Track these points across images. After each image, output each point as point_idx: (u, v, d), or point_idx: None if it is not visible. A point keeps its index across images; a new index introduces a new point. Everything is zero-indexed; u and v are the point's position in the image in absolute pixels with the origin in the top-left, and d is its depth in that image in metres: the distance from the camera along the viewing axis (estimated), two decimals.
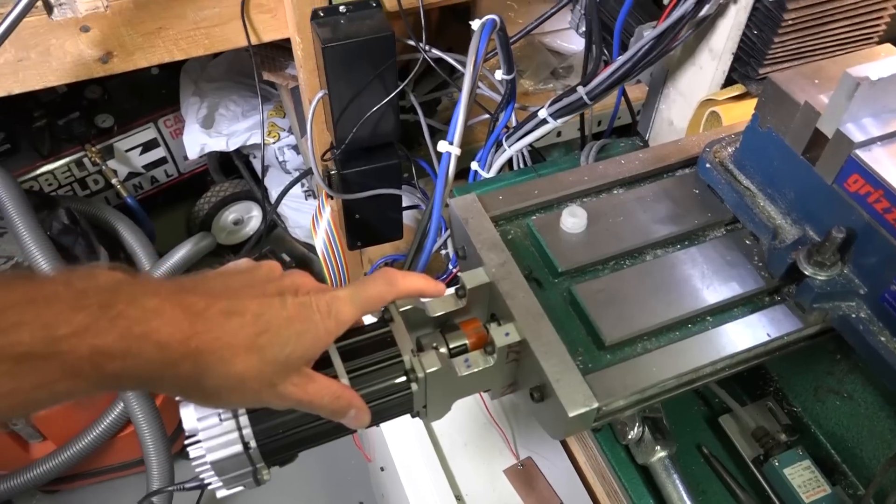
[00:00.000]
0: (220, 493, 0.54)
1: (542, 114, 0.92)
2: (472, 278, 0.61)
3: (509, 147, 0.99)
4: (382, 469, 1.05)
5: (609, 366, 0.58)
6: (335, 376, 0.52)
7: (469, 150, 1.08)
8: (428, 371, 0.54)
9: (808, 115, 0.58)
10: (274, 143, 1.75)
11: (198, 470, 0.51)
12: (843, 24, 0.80)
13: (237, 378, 0.43)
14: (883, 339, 0.56)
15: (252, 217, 2.05)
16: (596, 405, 0.53)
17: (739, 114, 0.81)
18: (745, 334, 0.60)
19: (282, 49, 1.37)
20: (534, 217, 0.70)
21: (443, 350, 0.58)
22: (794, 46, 0.80)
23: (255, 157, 1.94)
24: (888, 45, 0.67)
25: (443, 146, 0.96)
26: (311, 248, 1.80)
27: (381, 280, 0.53)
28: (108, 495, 1.67)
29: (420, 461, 0.87)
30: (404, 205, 1.31)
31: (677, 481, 0.69)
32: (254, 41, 1.10)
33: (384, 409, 0.55)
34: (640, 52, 0.82)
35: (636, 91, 1.15)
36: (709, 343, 0.60)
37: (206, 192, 1.95)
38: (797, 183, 0.61)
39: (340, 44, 1.00)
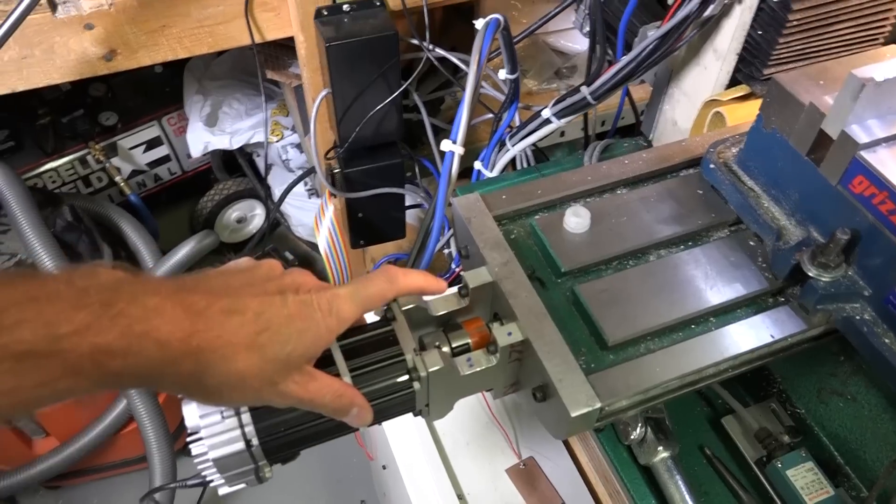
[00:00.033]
0: (222, 491, 0.54)
1: (546, 113, 0.92)
2: (475, 277, 0.61)
3: (513, 146, 0.99)
4: (384, 468, 1.05)
5: (612, 366, 0.58)
6: (338, 375, 0.52)
7: (472, 150, 1.08)
8: (430, 370, 0.54)
9: (813, 116, 0.58)
10: (277, 141, 1.75)
11: (200, 467, 0.51)
12: (849, 25, 0.79)
13: (238, 376, 0.43)
14: (887, 340, 0.56)
15: (255, 215, 2.05)
16: (598, 405, 0.53)
17: (744, 114, 0.81)
18: (749, 335, 0.60)
19: (285, 48, 1.37)
20: (537, 217, 0.70)
21: (445, 349, 0.58)
22: (799, 47, 0.80)
23: (258, 156, 1.94)
24: (894, 47, 0.66)
25: (446, 145, 0.95)
26: (314, 246, 1.80)
27: (382, 278, 0.53)
28: (110, 491, 1.67)
29: (422, 460, 0.87)
30: (407, 204, 1.31)
31: (679, 482, 0.69)
32: (257, 40, 1.10)
33: (386, 407, 0.55)
34: (645, 53, 0.81)
35: (640, 91, 1.15)
36: (712, 344, 0.60)
37: (209, 190, 1.96)
38: (801, 184, 0.61)
39: (344, 42, 1.00)
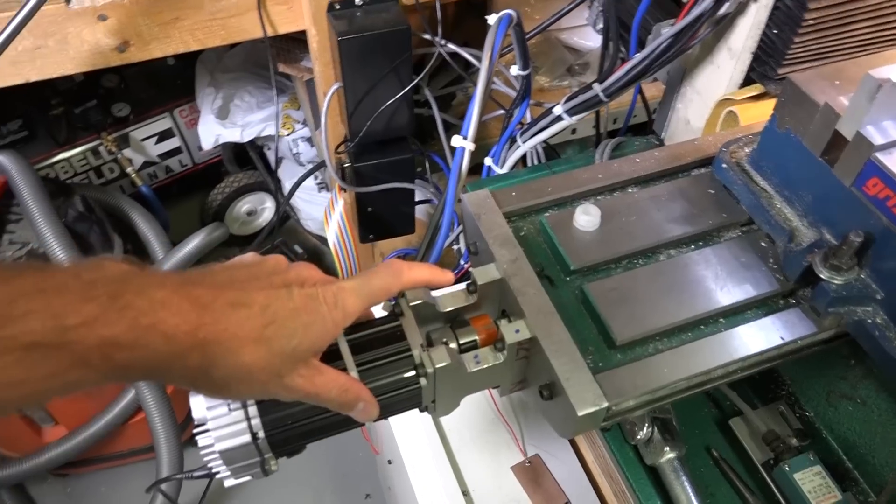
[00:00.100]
0: (228, 483, 0.54)
1: (558, 110, 0.92)
2: (484, 274, 0.61)
3: (523, 143, 0.99)
4: (390, 462, 1.05)
5: (619, 365, 0.58)
6: (344, 369, 0.52)
7: (483, 146, 1.08)
8: (437, 366, 0.54)
9: (828, 117, 0.57)
10: (288, 134, 1.75)
11: (206, 459, 0.52)
12: (866, 25, 0.79)
13: (245, 369, 0.43)
14: None
15: (265, 208, 2.06)
16: (605, 405, 0.53)
17: (757, 114, 0.80)
18: (759, 337, 0.60)
19: (297, 41, 1.38)
20: (547, 214, 0.70)
21: (453, 345, 0.58)
22: (814, 47, 0.79)
23: (269, 149, 1.94)
24: None
25: (457, 141, 0.95)
26: (324, 240, 1.81)
27: (388, 271, 0.53)
28: (117, 480, 1.68)
29: (428, 455, 0.87)
30: (417, 199, 1.31)
31: (685, 483, 0.69)
32: (270, 33, 1.10)
33: (392, 403, 0.55)
34: (658, 50, 0.81)
35: (652, 89, 1.15)
36: (721, 345, 0.59)
37: (219, 182, 1.96)
38: (815, 185, 0.61)
39: (356, 37, 1.00)
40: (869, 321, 0.57)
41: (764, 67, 0.83)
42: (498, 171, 1.04)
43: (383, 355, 0.55)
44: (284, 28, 1.12)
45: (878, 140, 0.53)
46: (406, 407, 0.58)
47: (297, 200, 1.91)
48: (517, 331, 0.57)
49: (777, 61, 0.80)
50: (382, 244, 1.48)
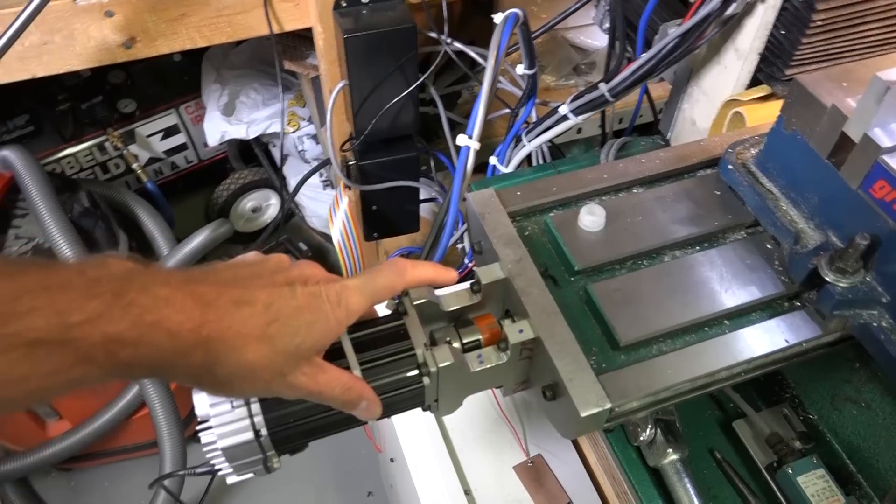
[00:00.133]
0: (231, 480, 0.54)
1: (563, 110, 0.92)
2: (488, 274, 0.61)
3: (529, 142, 0.99)
4: (392, 461, 1.05)
5: (623, 366, 0.58)
6: (348, 367, 0.52)
7: (488, 145, 1.08)
8: (440, 365, 0.54)
9: (835, 119, 0.57)
10: (294, 132, 1.75)
11: (209, 455, 0.52)
12: (875, 27, 0.78)
13: (248, 367, 0.43)
14: None
15: (270, 205, 2.06)
16: (608, 406, 0.53)
17: (764, 115, 0.80)
18: (763, 339, 0.60)
19: (304, 38, 1.38)
20: (551, 214, 0.70)
21: (456, 345, 0.58)
22: (822, 48, 0.78)
23: (274, 146, 1.95)
24: None
25: (462, 140, 0.95)
26: (328, 237, 1.81)
27: (391, 270, 0.53)
28: (120, 475, 1.69)
29: (430, 454, 0.87)
30: (422, 197, 1.30)
31: (688, 485, 0.69)
32: (276, 30, 1.10)
33: (395, 401, 0.55)
34: (665, 50, 0.81)
35: (659, 89, 1.14)
36: (725, 347, 0.59)
37: (225, 179, 1.97)
38: (821, 187, 0.60)
39: (362, 34, 0.99)
40: (874, 325, 0.57)
41: (771, 68, 0.82)
42: (503, 170, 1.04)
43: (386, 354, 0.55)
44: (290, 25, 1.12)
45: (885, 142, 0.53)
46: (409, 406, 0.58)
47: (302, 197, 1.91)
48: (521, 331, 0.57)
49: (784, 62, 0.80)
50: (387, 242, 1.48)
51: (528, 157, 1.03)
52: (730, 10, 0.77)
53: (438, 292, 0.59)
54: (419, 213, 1.32)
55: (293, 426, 0.52)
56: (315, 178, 1.83)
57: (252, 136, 1.74)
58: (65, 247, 1.24)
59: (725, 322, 0.62)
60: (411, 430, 0.90)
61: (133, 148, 1.84)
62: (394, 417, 0.85)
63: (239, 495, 1.64)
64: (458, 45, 1.10)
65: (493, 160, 1.05)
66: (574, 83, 1.50)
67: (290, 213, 2.00)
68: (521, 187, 0.71)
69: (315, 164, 1.73)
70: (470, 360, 0.57)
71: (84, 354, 0.36)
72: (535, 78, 0.98)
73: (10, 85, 1.04)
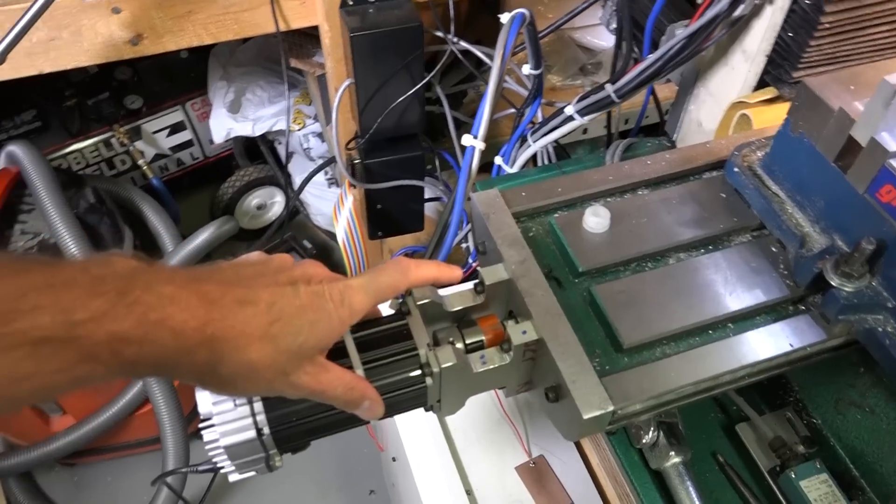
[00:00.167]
0: (233, 478, 0.54)
1: (569, 110, 0.92)
2: (492, 274, 0.61)
3: (534, 143, 0.98)
4: (394, 459, 1.05)
5: (626, 369, 0.58)
6: (350, 367, 0.52)
7: (494, 144, 1.08)
8: (443, 366, 0.54)
9: (842, 122, 0.56)
10: (299, 129, 1.75)
11: (211, 453, 0.52)
12: (884, 29, 0.78)
13: (251, 366, 0.43)
14: None
15: (275, 203, 2.06)
16: (611, 408, 0.53)
17: (771, 117, 0.80)
18: (767, 343, 0.59)
19: (310, 36, 1.38)
20: (556, 215, 0.69)
21: (459, 345, 0.57)
22: (830, 50, 0.78)
23: (279, 144, 1.95)
24: None
25: (467, 140, 0.95)
26: (333, 235, 1.81)
27: (395, 269, 0.53)
28: (123, 470, 1.69)
29: (432, 454, 0.87)
30: (427, 196, 1.30)
31: (690, 488, 0.69)
32: (282, 28, 1.11)
33: (398, 401, 0.55)
34: (672, 51, 0.80)
35: (665, 90, 1.14)
36: (729, 350, 0.59)
37: (230, 176, 1.97)
38: (828, 191, 0.60)
39: (368, 33, 1.00)
40: (880, 329, 0.57)
41: (778, 70, 0.82)
42: (508, 170, 1.03)
43: (389, 354, 0.55)
44: (297, 23, 1.12)
45: (892, 146, 0.52)
46: (411, 406, 0.58)
47: (307, 195, 1.91)
48: (524, 332, 0.57)
49: (792, 64, 0.80)
50: (391, 241, 1.48)
51: (534, 158, 1.03)
52: (738, 12, 0.77)
53: (442, 292, 0.59)
54: (424, 212, 1.32)
55: (295, 425, 0.53)
56: (320, 176, 1.83)
57: (258, 133, 1.74)
58: (70, 242, 1.24)
59: (729, 325, 0.61)
60: (413, 429, 0.90)
61: (139, 144, 1.85)
62: (396, 417, 0.84)
63: (241, 492, 1.65)
64: (464, 44, 1.10)
65: (498, 160, 1.05)
66: (580, 83, 1.50)
67: (294, 210, 2.00)
68: (526, 188, 0.71)
69: (320, 162, 1.73)
70: (473, 360, 0.57)
71: (88, 352, 0.36)
72: (541, 78, 0.98)
73: (18, 80, 1.05)
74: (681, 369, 0.57)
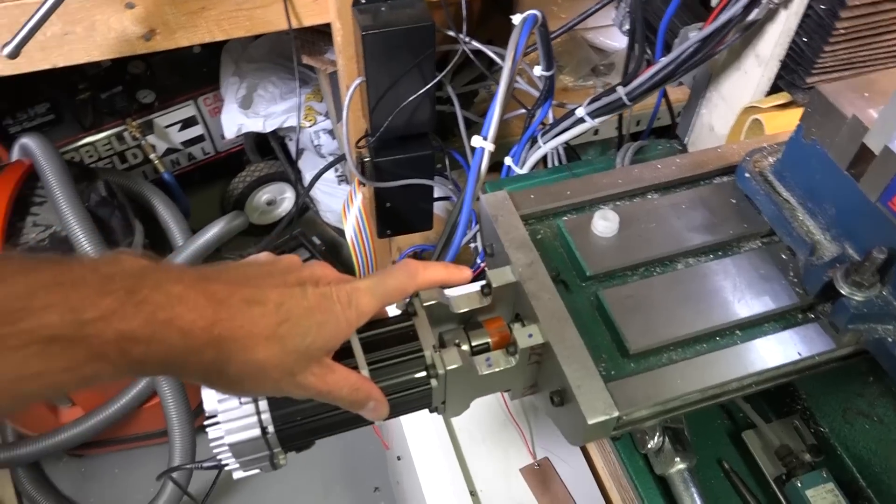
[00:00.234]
0: (237, 475, 0.55)
1: (580, 112, 0.91)
2: (499, 277, 0.61)
3: (544, 144, 0.98)
4: (399, 458, 1.05)
5: (632, 374, 0.58)
6: (356, 367, 0.52)
7: (504, 144, 1.07)
8: (448, 368, 0.54)
9: (856, 130, 0.56)
10: (310, 126, 1.76)
11: (216, 451, 0.52)
12: None
13: (258, 367, 0.43)
14: None
15: (285, 198, 2.07)
16: (616, 414, 0.53)
17: (783, 123, 0.79)
18: (775, 351, 0.59)
19: (322, 34, 1.38)
20: (565, 218, 0.69)
21: (465, 347, 0.57)
22: (845, 56, 0.77)
23: (290, 140, 1.95)
24: None
25: (476, 141, 0.95)
26: (342, 232, 1.81)
27: (403, 272, 0.53)
28: (130, 462, 1.71)
29: (437, 454, 0.87)
30: (436, 195, 1.30)
31: (695, 495, 0.68)
32: (295, 25, 1.10)
33: (403, 402, 0.55)
34: (684, 55, 0.80)
35: (677, 92, 1.13)
36: (736, 358, 0.59)
37: (241, 171, 1.98)
38: (839, 198, 0.60)
39: (380, 32, 0.99)
40: (889, 340, 0.56)
41: (792, 76, 0.81)
42: (518, 171, 1.03)
43: (395, 355, 0.55)
44: (309, 21, 1.12)
45: None
46: (416, 407, 0.58)
47: (317, 192, 1.92)
48: (530, 335, 0.56)
49: (806, 70, 0.79)
50: (400, 239, 1.48)
51: (544, 159, 1.03)
52: (752, 16, 0.77)
53: (448, 293, 0.59)
54: (433, 211, 1.32)
55: (300, 424, 0.53)
56: (330, 173, 1.83)
57: (269, 129, 1.75)
58: (81, 236, 1.25)
59: (737, 332, 0.61)
60: (419, 429, 0.90)
61: (151, 138, 1.85)
62: (402, 416, 0.85)
63: (246, 488, 1.66)
64: (476, 44, 1.09)
65: (507, 161, 1.04)
66: (592, 84, 1.50)
67: (304, 207, 2.01)
68: (535, 190, 0.70)
69: (331, 158, 1.73)
70: (478, 363, 0.57)
71: (97, 351, 0.37)
72: (553, 80, 0.98)
73: (32, 74, 1.05)
74: (687, 376, 0.57)
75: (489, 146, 0.94)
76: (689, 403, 0.58)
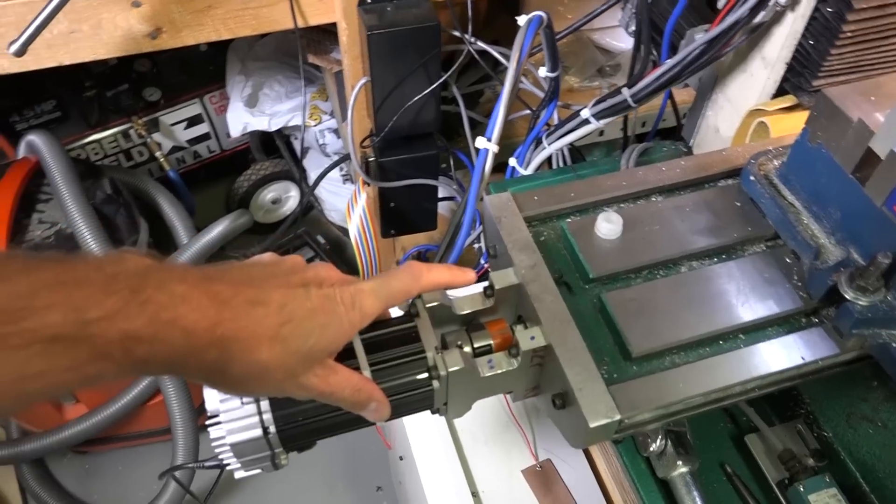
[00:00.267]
0: (239, 475, 0.55)
1: (585, 114, 0.91)
2: (501, 279, 0.61)
3: (549, 145, 0.98)
4: (402, 458, 1.05)
5: (635, 378, 0.57)
6: (358, 368, 0.52)
7: (509, 144, 1.07)
8: (450, 369, 0.54)
9: (861, 133, 0.56)
10: (315, 125, 1.76)
11: (217, 451, 0.52)
12: None
13: (261, 367, 0.43)
14: None
15: (290, 197, 2.07)
16: (618, 417, 0.53)
17: (789, 126, 0.79)
18: (779, 355, 0.59)
19: (328, 33, 1.38)
20: (568, 220, 0.69)
21: (467, 349, 0.57)
22: (851, 59, 0.77)
23: (295, 139, 1.95)
24: None
25: (481, 142, 0.95)
26: (346, 231, 1.81)
27: (407, 274, 0.53)
28: (133, 459, 1.71)
29: (439, 455, 0.87)
30: (440, 196, 1.30)
31: (697, 498, 0.68)
32: (300, 24, 1.11)
33: (404, 404, 0.55)
34: (690, 57, 0.80)
35: (683, 94, 1.13)
36: (740, 362, 0.58)
37: (246, 169, 1.98)
38: (844, 202, 0.59)
39: (385, 31, 0.99)
40: (894, 345, 0.56)
41: (798, 79, 0.81)
42: (522, 172, 1.03)
43: (397, 356, 0.55)
44: (315, 20, 1.12)
45: None
46: (418, 408, 0.58)
47: (322, 191, 1.92)
48: (532, 337, 0.56)
49: (812, 73, 0.79)
50: (404, 239, 1.48)
51: (549, 160, 1.02)
52: (758, 18, 0.76)
53: (451, 294, 0.59)
54: (437, 211, 1.32)
55: (302, 424, 0.53)
56: (335, 173, 1.83)
57: (274, 128, 1.75)
58: (87, 233, 1.25)
59: (741, 336, 0.61)
60: (421, 429, 0.90)
61: (157, 136, 1.86)
62: (404, 417, 0.85)
63: (248, 486, 1.66)
64: (481, 44, 1.09)
65: (512, 162, 1.04)
66: (598, 85, 1.49)
67: (309, 205, 2.01)
68: (539, 192, 0.70)
69: (336, 158, 1.73)
70: (480, 365, 0.56)
71: (100, 351, 0.37)
72: (558, 81, 0.97)
73: (39, 72, 1.06)
74: (690, 379, 0.57)
75: (493, 147, 0.94)
76: (691, 407, 0.58)
